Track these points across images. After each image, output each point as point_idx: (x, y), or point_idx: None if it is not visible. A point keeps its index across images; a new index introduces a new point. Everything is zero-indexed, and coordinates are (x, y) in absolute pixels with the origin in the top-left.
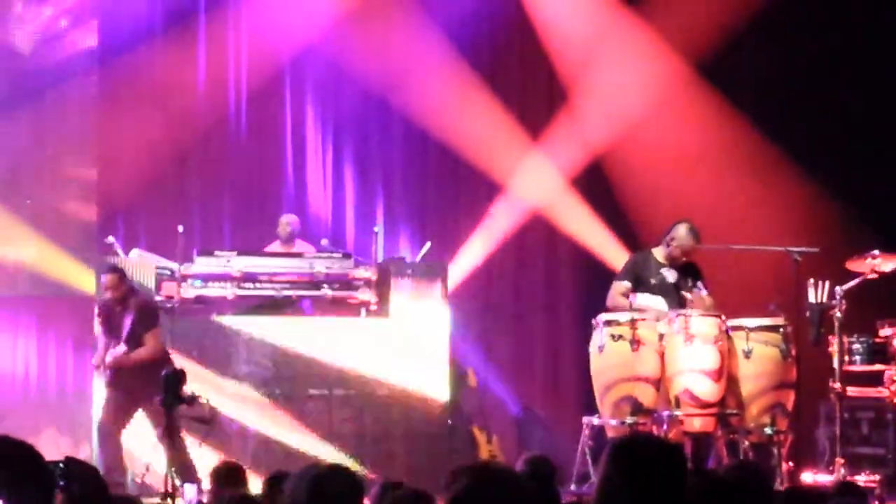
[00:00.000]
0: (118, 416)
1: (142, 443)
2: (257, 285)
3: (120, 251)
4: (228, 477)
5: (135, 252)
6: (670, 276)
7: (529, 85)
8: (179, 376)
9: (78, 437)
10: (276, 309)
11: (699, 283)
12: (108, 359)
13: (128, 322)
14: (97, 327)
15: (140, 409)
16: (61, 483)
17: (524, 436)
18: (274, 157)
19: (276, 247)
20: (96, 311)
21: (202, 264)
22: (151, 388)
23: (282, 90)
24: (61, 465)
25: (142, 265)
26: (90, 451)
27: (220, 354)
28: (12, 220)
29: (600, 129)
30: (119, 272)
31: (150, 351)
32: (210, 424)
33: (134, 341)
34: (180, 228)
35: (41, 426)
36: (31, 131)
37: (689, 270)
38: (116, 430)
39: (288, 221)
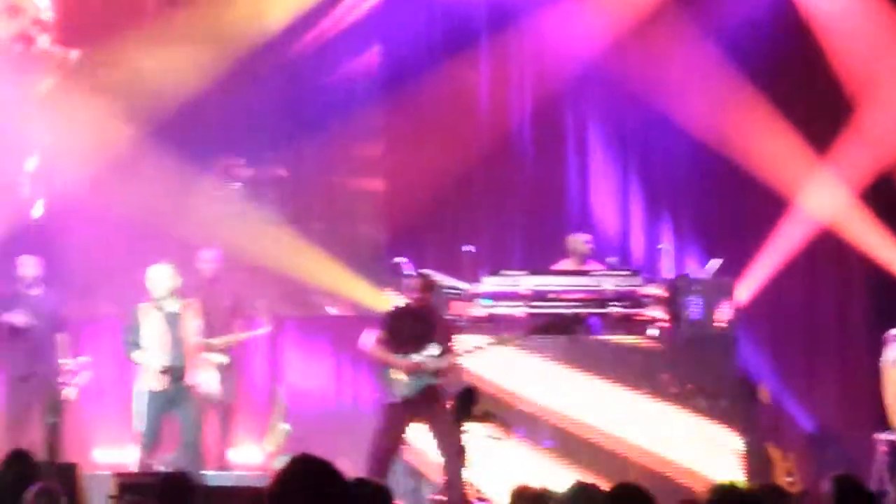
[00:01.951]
0: (397, 438)
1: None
2: (546, 303)
3: (410, 271)
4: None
5: (424, 272)
6: None
7: (813, 97)
8: (471, 394)
9: None
10: (564, 327)
11: None
12: (440, 363)
13: (436, 333)
14: (380, 333)
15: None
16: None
17: (818, 452)
18: (558, 176)
19: (566, 265)
20: (389, 317)
21: (490, 283)
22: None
23: (564, 109)
24: (353, 484)
25: None
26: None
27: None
28: (305, 242)
29: (889, 141)
30: (429, 280)
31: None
32: (503, 442)
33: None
34: (469, 248)
35: (339, 446)
36: (320, 156)
37: None
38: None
39: (584, 240)
